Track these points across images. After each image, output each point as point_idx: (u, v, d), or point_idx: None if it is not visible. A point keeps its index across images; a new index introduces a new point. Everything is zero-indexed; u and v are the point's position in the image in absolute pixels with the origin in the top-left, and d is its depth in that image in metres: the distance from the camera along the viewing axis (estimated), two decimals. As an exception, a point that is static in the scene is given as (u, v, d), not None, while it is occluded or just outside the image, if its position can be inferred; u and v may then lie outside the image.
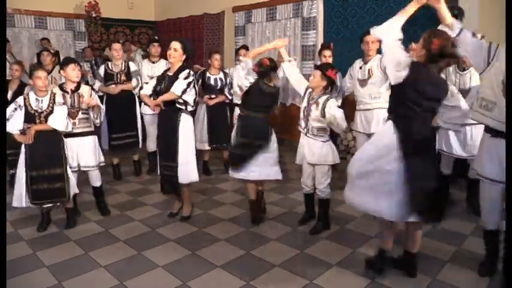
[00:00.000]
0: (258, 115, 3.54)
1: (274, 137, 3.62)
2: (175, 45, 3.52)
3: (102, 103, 4.01)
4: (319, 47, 6.35)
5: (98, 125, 3.80)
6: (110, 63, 4.99)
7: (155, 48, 5.38)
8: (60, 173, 3.43)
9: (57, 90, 3.57)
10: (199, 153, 5.18)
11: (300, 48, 6.57)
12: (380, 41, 3.95)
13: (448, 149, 3.67)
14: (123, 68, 4.94)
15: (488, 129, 2.59)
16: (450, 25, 2.61)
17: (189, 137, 3.64)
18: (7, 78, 5.38)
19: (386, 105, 3.99)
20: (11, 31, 7.28)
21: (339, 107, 3.45)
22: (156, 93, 3.60)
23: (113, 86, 4.85)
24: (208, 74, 5.10)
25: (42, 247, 3.23)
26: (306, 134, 3.39)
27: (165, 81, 3.55)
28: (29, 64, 6.75)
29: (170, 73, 3.58)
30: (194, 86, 3.60)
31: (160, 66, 5.09)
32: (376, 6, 5.67)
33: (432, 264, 2.86)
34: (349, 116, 3.65)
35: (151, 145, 5.14)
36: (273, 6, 6.86)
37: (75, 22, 8.28)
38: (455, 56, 2.44)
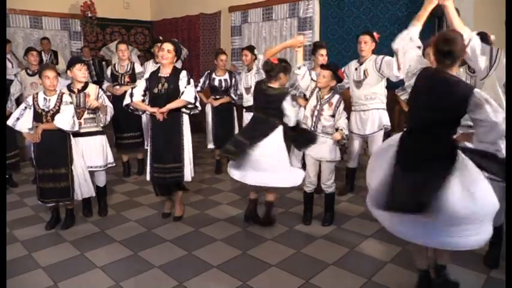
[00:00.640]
0: (258, 114, 3.44)
1: (275, 141, 3.35)
2: (169, 46, 3.52)
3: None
4: (315, 47, 6.39)
5: (103, 124, 3.75)
6: (116, 64, 5.07)
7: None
8: (65, 172, 3.43)
9: (64, 90, 3.60)
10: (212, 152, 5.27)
11: (296, 48, 6.57)
12: (375, 42, 4.00)
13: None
14: (128, 69, 4.97)
15: None
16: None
17: (189, 136, 3.71)
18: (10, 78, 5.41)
19: (382, 106, 4.06)
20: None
21: None
22: (153, 96, 3.53)
23: (117, 87, 4.90)
24: (213, 75, 5.14)
25: (37, 248, 3.22)
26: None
27: (161, 83, 3.52)
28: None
29: (164, 74, 3.55)
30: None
31: None
32: (372, 6, 5.68)
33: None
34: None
35: None
36: (269, 6, 6.87)
37: (71, 22, 8.25)
38: (453, 52, 2.15)
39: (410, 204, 2.04)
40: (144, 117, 4.87)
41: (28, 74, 5.22)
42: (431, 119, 2.16)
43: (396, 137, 2.36)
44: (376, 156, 2.50)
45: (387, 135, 4.25)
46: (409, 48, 2.58)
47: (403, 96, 4.16)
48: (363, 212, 3.87)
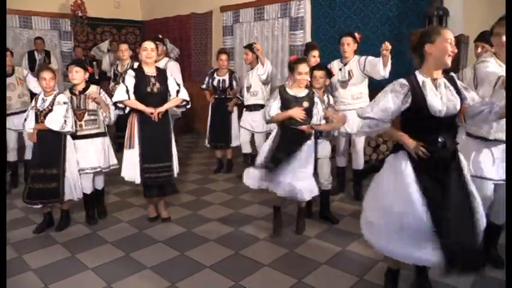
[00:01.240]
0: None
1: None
2: (151, 45, 3.53)
3: None
4: (307, 46, 6.41)
5: (108, 123, 3.72)
6: (118, 65, 5.12)
7: (160, 47, 5.38)
8: (56, 173, 3.40)
9: (66, 92, 3.61)
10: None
11: (288, 48, 6.59)
12: (357, 43, 4.07)
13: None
14: (127, 69, 4.94)
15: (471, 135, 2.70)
16: None
17: (172, 132, 3.72)
18: None
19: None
20: (-6, 31, 7.16)
21: None
22: (145, 95, 3.48)
23: (117, 86, 4.87)
24: (215, 75, 5.24)
25: (28, 250, 3.19)
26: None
27: (152, 83, 3.50)
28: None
29: (151, 73, 3.53)
30: None
31: (161, 65, 5.10)
32: (363, 6, 5.72)
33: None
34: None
35: None
36: (260, 6, 6.87)
37: (61, 22, 8.17)
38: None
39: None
40: None
41: None
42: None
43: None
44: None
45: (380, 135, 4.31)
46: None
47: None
48: (354, 211, 3.89)
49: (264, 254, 3.08)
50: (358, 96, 4.07)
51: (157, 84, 3.51)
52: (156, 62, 5.17)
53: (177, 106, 3.71)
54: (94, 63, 7.69)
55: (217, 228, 3.59)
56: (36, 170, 3.39)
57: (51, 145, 3.40)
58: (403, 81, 2.18)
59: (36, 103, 3.44)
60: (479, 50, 3.46)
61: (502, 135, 2.51)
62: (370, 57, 3.95)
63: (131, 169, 3.57)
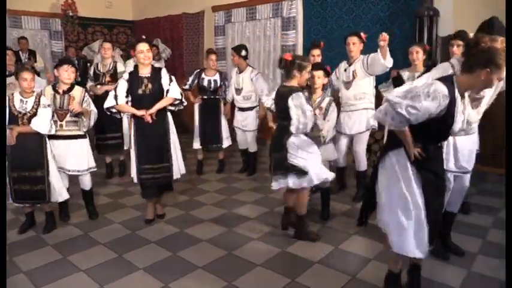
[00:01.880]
0: (282, 123, 3.13)
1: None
2: (146, 46, 3.50)
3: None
4: (299, 46, 6.44)
5: (86, 129, 3.68)
6: (99, 64, 4.99)
7: (153, 49, 5.37)
8: (41, 175, 3.36)
9: (49, 89, 3.54)
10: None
11: (280, 48, 6.60)
12: (363, 42, 4.05)
13: None
14: (109, 69, 4.91)
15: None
16: None
17: (174, 132, 3.69)
18: None
19: (371, 105, 4.09)
20: (-17, 30, 7.07)
21: None
22: (138, 97, 3.47)
23: (99, 86, 4.84)
24: (203, 75, 5.09)
25: (19, 252, 3.16)
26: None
27: (144, 84, 3.48)
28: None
29: (144, 74, 3.51)
30: None
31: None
32: (355, 6, 5.74)
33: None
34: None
35: None
36: (252, 6, 6.87)
37: (51, 21, 8.09)
38: None
39: None
40: (125, 119, 4.75)
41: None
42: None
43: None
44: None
45: (372, 135, 4.31)
46: None
47: (385, 94, 4.20)
48: (347, 210, 3.91)
49: (257, 254, 3.09)
50: (361, 97, 4.02)
51: (150, 85, 3.49)
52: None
53: (172, 105, 3.65)
54: (88, 64, 7.64)
55: (210, 229, 3.58)
56: (20, 173, 3.32)
57: (32, 147, 3.33)
58: (445, 92, 2.04)
59: (11, 104, 3.29)
60: (455, 48, 3.53)
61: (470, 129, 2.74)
62: (372, 54, 3.87)
63: (134, 169, 3.63)
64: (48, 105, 3.37)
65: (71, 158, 3.60)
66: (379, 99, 4.66)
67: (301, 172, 3.07)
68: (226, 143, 5.24)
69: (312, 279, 2.72)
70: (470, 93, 2.26)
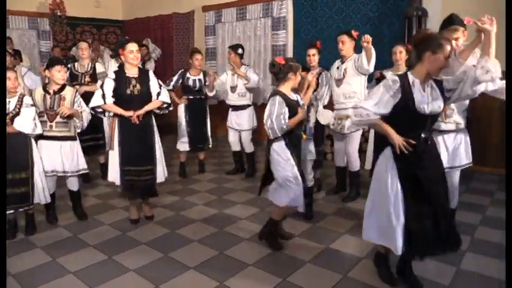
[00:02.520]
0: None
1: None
2: (136, 47, 3.49)
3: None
4: (289, 46, 6.47)
5: (80, 130, 3.63)
6: (76, 64, 4.86)
7: (143, 49, 5.31)
8: (26, 177, 3.30)
9: (39, 90, 3.48)
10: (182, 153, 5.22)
11: (270, 48, 6.61)
12: (355, 40, 4.06)
13: None
14: (88, 69, 4.81)
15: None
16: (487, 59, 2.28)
17: (158, 135, 3.68)
18: None
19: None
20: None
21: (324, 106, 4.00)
22: (126, 97, 3.44)
23: (77, 87, 4.70)
24: (188, 75, 5.03)
25: (7, 255, 3.11)
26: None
27: (133, 85, 3.46)
28: None
29: (132, 75, 3.48)
30: None
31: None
32: (344, 6, 5.78)
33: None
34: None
35: None
36: (243, 6, 6.87)
37: (39, 21, 8.02)
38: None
39: None
40: (105, 120, 4.66)
41: None
42: None
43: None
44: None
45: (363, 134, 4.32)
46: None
47: None
48: (337, 210, 3.93)
49: (248, 253, 3.08)
50: (351, 96, 4.01)
51: (138, 86, 3.47)
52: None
53: (159, 108, 3.66)
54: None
55: (201, 229, 3.57)
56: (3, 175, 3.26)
57: (16, 148, 3.26)
58: (395, 78, 2.35)
59: None
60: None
61: (452, 126, 3.00)
62: (361, 54, 3.88)
63: (113, 171, 3.58)
64: (32, 105, 3.32)
65: (61, 159, 3.55)
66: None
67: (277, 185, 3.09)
68: (210, 142, 5.25)
69: (304, 279, 2.72)
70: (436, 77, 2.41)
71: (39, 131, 3.34)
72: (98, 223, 3.74)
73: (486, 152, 4.85)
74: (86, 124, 3.63)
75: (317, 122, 3.90)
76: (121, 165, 3.52)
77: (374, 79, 4.16)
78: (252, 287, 2.67)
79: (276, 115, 2.90)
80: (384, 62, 4.01)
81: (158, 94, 3.59)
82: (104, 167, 5.09)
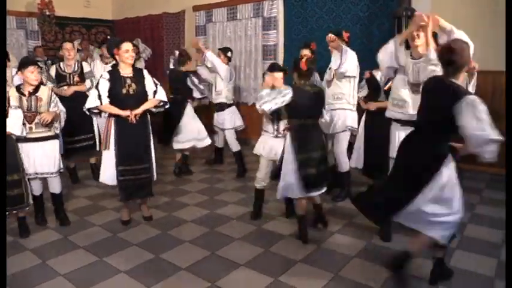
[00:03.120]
0: (307, 121, 3.28)
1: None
2: (130, 46, 3.50)
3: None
4: (280, 46, 6.48)
5: (58, 131, 3.58)
6: (61, 64, 4.79)
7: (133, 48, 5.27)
8: (18, 179, 3.26)
9: (13, 92, 3.39)
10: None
11: (261, 48, 6.61)
12: (344, 41, 4.06)
13: None
14: (76, 69, 4.76)
15: (399, 122, 3.12)
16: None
17: (151, 135, 3.68)
18: None
19: (349, 106, 4.09)
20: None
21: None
22: (121, 97, 3.41)
23: (66, 87, 4.67)
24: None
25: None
26: (276, 136, 3.54)
27: (128, 84, 3.44)
28: None
29: (127, 74, 3.47)
30: None
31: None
32: (335, 6, 5.80)
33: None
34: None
35: None
36: (233, 5, 6.87)
37: (27, 20, 7.93)
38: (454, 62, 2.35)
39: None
40: (95, 120, 4.63)
41: None
42: (426, 120, 2.46)
43: None
44: None
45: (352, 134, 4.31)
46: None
47: (360, 94, 4.24)
48: (329, 209, 3.94)
49: (240, 253, 3.09)
50: (339, 97, 4.02)
51: (133, 85, 3.46)
52: (106, 64, 5.19)
53: (155, 107, 3.65)
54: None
55: (193, 229, 3.56)
56: None
57: (9, 150, 3.19)
58: (477, 98, 2.24)
59: None
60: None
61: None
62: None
63: (109, 172, 3.55)
64: (18, 107, 3.28)
65: (42, 160, 3.47)
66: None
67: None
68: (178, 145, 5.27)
69: (295, 278, 2.73)
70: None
71: (24, 132, 3.30)
72: (89, 224, 3.71)
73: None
74: (63, 123, 3.62)
75: None
76: (117, 165, 3.49)
77: (364, 79, 4.19)
78: (244, 286, 2.67)
79: None
80: (374, 62, 4.02)
81: (155, 92, 3.58)
82: (96, 168, 5.06)
